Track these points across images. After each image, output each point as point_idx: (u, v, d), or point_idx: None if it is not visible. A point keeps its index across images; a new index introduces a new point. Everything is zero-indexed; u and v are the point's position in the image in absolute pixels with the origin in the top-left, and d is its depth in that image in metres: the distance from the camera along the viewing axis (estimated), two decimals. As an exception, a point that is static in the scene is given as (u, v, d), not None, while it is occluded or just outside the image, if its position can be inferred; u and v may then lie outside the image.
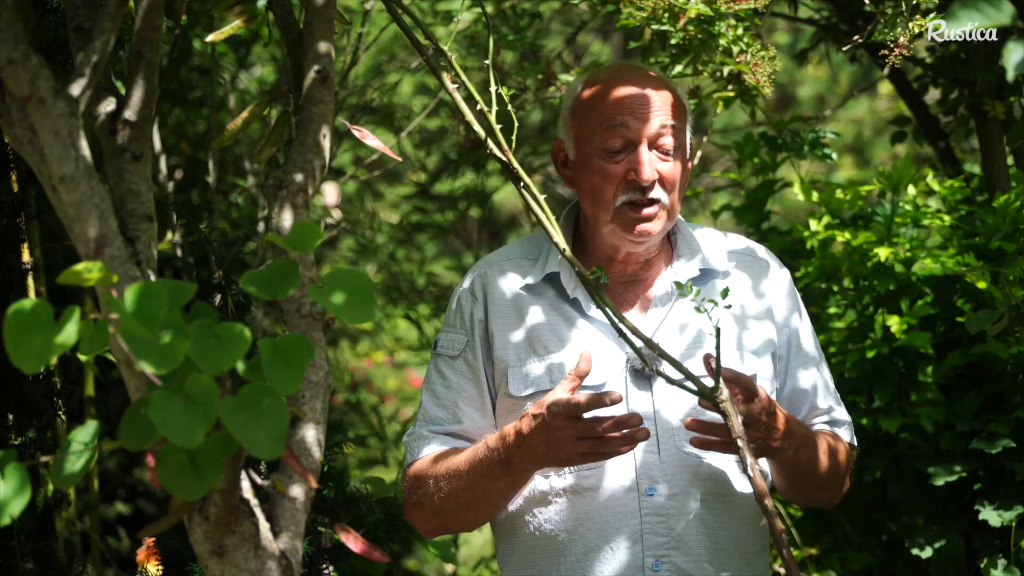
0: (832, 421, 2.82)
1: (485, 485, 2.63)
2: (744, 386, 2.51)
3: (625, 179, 2.66)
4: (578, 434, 2.49)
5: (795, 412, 2.78)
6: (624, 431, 2.47)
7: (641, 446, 2.60)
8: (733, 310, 2.73)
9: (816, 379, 2.80)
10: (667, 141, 2.67)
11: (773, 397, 2.71)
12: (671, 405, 2.65)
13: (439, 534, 2.81)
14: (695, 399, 2.60)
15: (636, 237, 2.68)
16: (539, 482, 2.68)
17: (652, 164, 2.66)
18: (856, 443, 2.85)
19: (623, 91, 2.70)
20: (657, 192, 2.66)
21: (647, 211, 2.66)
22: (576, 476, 2.65)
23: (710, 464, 2.65)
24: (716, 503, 2.65)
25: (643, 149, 2.66)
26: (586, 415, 2.50)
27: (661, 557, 2.61)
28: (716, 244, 2.83)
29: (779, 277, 2.82)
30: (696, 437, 2.54)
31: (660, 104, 2.69)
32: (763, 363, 2.73)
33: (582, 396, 2.48)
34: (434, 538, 2.86)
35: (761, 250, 2.86)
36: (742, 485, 2.68)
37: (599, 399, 2.47)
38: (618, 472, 2.63)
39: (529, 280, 2.75)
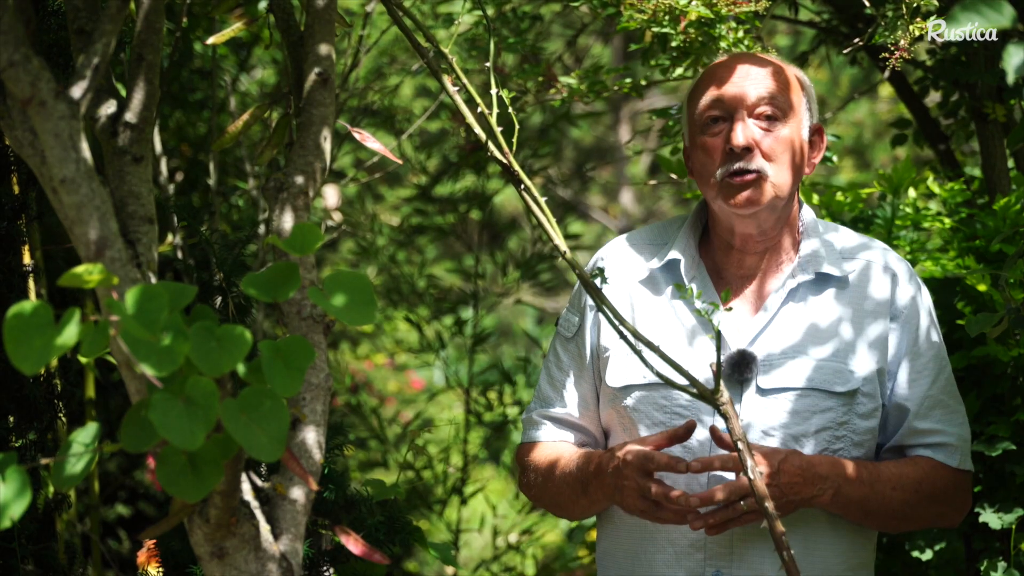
0: (931, 444, 2.72)
1: (570, 496, 2.74)
2: (733, 463, 2.53)
3: (724, 151, 2.64)
4: (641, 492, 2.56)
5: (892, 428, 2.72)
6: (678, 507, 2.54)
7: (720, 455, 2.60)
8: (842, 318, 2.68)
9: (923, 398, 2.71)
10: (766, 110, 2.65)
11: (866, 418, 2.67)
12: (758, 416, 2.63)
13: (553, 513, 2.92)
14: (785, 415, 2.61)
15: (738, 208, 2.63)
16: None
17: (748, 132, 2.63)
18: (966, 464, 2.75)
19: (725, 68, 2.71)
20: (756, 162, 2.62)
21: (740, 179, 2.62)
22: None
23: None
24: (789, 518, 2.60)
25: (738, 117, 2.64)
26: (657, 474, 2.57)
27: (721, 567, 2.62)
28: (843, 247, 2.76)
29: (903, 291, 2.74)
30: (714, 520, 2.56)
31: (759, 76, 2.68)
32: (865, 377, 2.67)
33: (659, 457, 2.54)
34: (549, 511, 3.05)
35: (894, 260, 2.77)
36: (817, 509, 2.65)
37: (674, 465, 2.52)
38: (691, 480, 2.62)
39: (651, 265, 2.74)
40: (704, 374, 2.61)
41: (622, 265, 2.77)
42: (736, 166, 2.62)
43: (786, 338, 2.66)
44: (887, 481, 2.65)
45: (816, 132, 2.75)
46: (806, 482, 2.56)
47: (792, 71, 2.74)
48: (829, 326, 2.68)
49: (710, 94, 2.68)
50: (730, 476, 2.58)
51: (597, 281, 2.36)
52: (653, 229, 2.84)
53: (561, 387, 2.79)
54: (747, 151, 2.62)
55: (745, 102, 2.65)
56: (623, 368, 2.69)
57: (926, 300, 2.77)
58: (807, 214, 2.78)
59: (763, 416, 2.62)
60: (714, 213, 2.73)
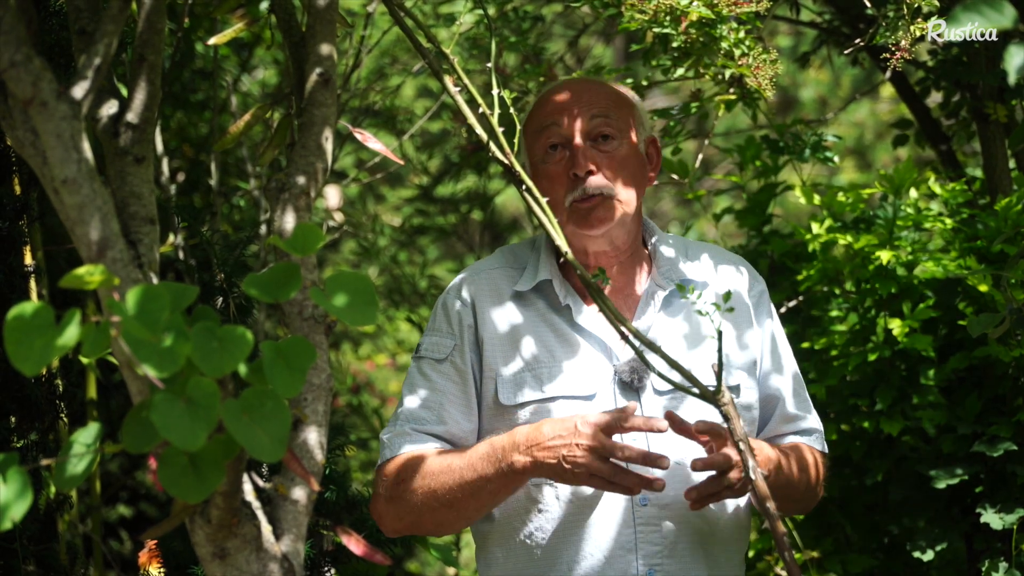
0: (802, 431, 2.83)
1: (474, 484, 2.59)
2: (718, 435, 2.52)
3: (568, 178, 2.71)
4: (602, 452, 2.48)
5: (765, 418, 2.81)
6: (643, 479, 2.49)
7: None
8: (714, 319, 2.74)
9: (787, 386, 2.82)
10: (602, 131, 2.72)
11: (756, 404, 2.76)
12: (660, 415, 2.65)
13: (404, 533, 2.74)
14: (684, 411, 2.64)
15: (591, 230, 2.70)
16: (531, 491, 2.67)
17: (587, 156, 2.70)
18: (827, 450, 2.88)
19: (554, 95, 2.78)
20: (598, 182, 2.69)
21: (591, 202, 2.68)
22: (570, 488, 2.65)
23: (700, 474, 2.64)
24: (708, 511, 2.66)
25: (576, 143, 2.71)
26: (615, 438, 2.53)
27: (655, 566, 2.62)
28: (693, 254, 2.85)
29: (755, 286, 2.85)
30: (698, 494, 2.54)
31: (591, 98, 2.75)
32: (744, 372, 2.75)
33: (635, 420, 2.49)
34: (395, 536, 2.80)
35: (737, 259, 2.89)
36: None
37: (649, 424, 2.49)
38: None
39: (520, 287, 2.76)
40: (602, 384, 2.67)
41: (491, 290, 2.78)
42: (582, 190, 2.68)
43: (666, 341, 2.72)
44: (796, 464, 2.73)
45: (651, 144, 2.84)
46: (763, 465, 2.61)
47: (619, 89, 2.82)
48: (699, 326, 2.75)
49: (545, 123, 2.74)
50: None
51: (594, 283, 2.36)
52: (503, 255, 2.86)
53: (437, 407, 2.71)
54: (590, 174, 2.69)
55: (581, 127, 2.72)
56: (517, 386, 2.70)
57: (767, 294, 2.88)
58: (648, 222, 2.87)
59: (664, 412, 2.65)
60: (565, 236, 2.74)
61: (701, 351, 2.72)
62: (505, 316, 2.75)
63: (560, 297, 2.73)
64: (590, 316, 2.72)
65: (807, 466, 2.76)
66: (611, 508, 2.64)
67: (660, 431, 2.49)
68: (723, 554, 2.70)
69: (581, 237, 2.73)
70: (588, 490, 2.64)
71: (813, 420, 2.85)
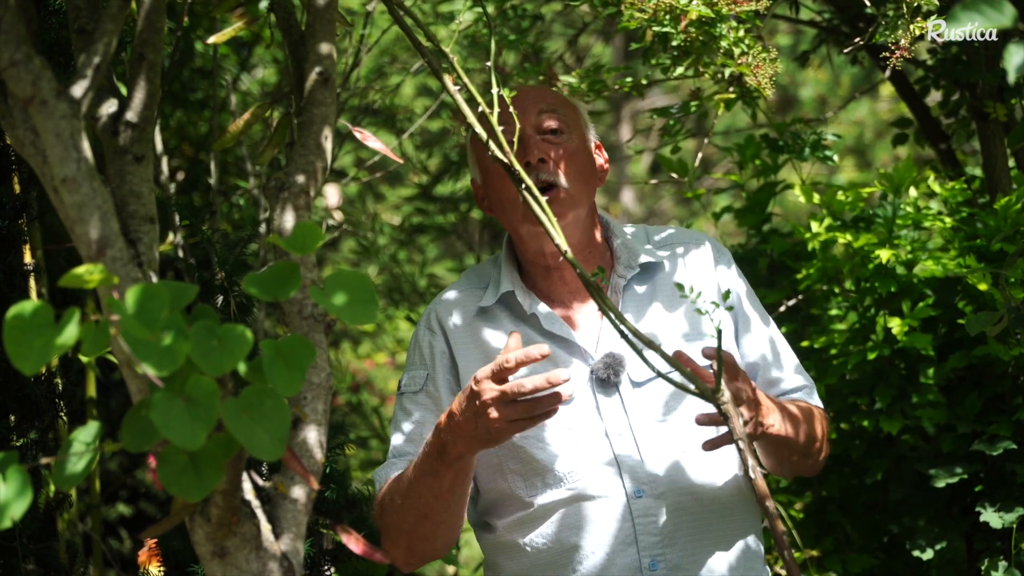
0: (787, 391, 2.82)
1: (431, 485, 2.59)
2: (728, 365, 2.52)
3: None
4: (505, 397, 2.45)
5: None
6: (551, 389, 2.44)
7: (622, 454, 2.64)
8: (676, 294, 2.76)
9: (767, 346, 2.81)
10: (551, 123, 2.75)
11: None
12: (642, 407, 2.68)
13: (415, 561, 2.72)
14: (664, 398, 2.66)
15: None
16: (528, 504, 2.68)
17: (538, 145, 2.71)
18: (820, 404, 2.85)
19: (503, 101, 2.76)
20: (552, 174, 2.70)
21: (545, 195, 2.65)
22: (565, 490, 2.66)
23: (690, 458, 2.68)
24: (702, 494, 2.68)
25: (527, 134, 2.72)
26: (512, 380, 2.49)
27: (656, 556, 2.62)
28: (650, 238, 2.87)
29: (713, 252, 2.85)
30: (709, 441, 2.55)
31: (537, 96, 2.79)
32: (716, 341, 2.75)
33: (509, 357, 2.45)
34: (415, 569, 2.79)
35: (698, 235, 2.89)
36: (723, 472, 2.70)
37: (526, 356, 2.44)
38: (605, 479, 2.66)
39: (484, 303, 2.78)
40: (579, 385, 2.68)
41: (457, 312, 2.80)
42: (535, 176, 2.68)
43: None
44: (800, 413, 2.71)
45: (598, 148, 2.87)
46: (769, 411, 2.60)
47: (566, 94, 2.88)
48: (669, 310, 2.76)
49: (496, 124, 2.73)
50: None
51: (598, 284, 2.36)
52: (466, 277, 2.88)
53: (419, 438, 2.72)
54: (542, 162, 2.70)
55: (529, 118, 2.74)
56: None
57: (733, 265, 2.88)
58: (606, 217, 2.88)
59: (644, 406, 2.68)
60: (522, 241, 2.77)
61: (671, 328, 2.74)
62: (475, 335, 2.76)
63: (526, 307, 2.75)
64: (557, 321, 2.74)
65: (811, 417, 2.74)
66: (607, 503, 2.65)
67: (540, 358, 2.44)
68: (728, 536, 2.70)
69: (535, 235, 2.72)
70: (582, 489, 2.65)
71: (796, 378, 2.83)
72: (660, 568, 2.62)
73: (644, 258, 2.79)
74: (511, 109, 2.70)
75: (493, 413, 2.45)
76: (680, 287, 2.54)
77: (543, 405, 2.45)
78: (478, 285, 2.83)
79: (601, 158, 2.87)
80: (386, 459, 2.78)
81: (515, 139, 2.49)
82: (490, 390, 2.45)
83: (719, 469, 2.70)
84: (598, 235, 2.83)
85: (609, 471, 2.65)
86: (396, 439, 2.77)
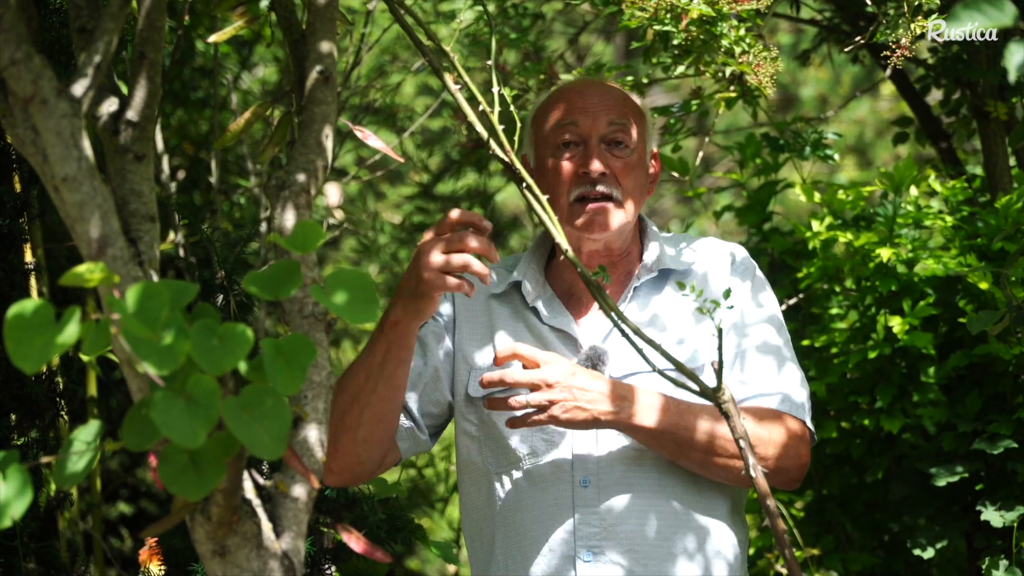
0: (752, 395, 2.72)
1: (365, 362, 2.59)
2: (529, 358, 2.55)
3: (576, 174, 2.73)
4: (435, 238, 2.47)
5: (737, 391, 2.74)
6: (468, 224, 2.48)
7: (579, 443, 2.67)
8: (683, 307, 2.77)
9: (746, 355, 2.75)
10: (619, 137, 2.75)
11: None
12: None
13: (336, 469, 2.68)
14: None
15: (591, 232, 2.73)
16: (495, 481, 2.73)
17: (602, 157, 2.73)
18: (798, 412, 2.70)
19: (574, 95, 2.80)
20: (607, 186, 2.72)
21: (595, 205, 2.71)
22: (519, 472, 2.70)
23: (647, 458, 2.67)
24: (652, 496, 2.67)
25: (592, 143, 2.74)
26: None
27: (593, 547, 2.63)
28: (682, 244, 2.87)
29: (738, 266, 2.83)
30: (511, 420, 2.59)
31: (610, 103, 2.78)
32: (703, 361, 2.73)
33: (453, 212, 2.49)
34: (333, 484, 2.75)
35: (727, 245, 2.88)
36: (678, 479, 2.67)
37: (470, 217, 2.47)
38: (557, 466, 2.69)
39: (495, 290, 2.82)
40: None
41: (477, 288, 2.80)
42: (589, 190, 2.71)
43: (718, 316, 2.69)
44: (697, 412, 2.62)
45: (654, 157, 2.89)
46: (602, 396, 2.57)
47: (635, 100, 2.86)
48: (672, 316, 2.77)
49: (562, 118, 2.76)
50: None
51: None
52: (510, 257, 2.93)
53: None
54: (602, 176, 2.72)
55: (598, 127, 2.75)
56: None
57: (759, 275, 2.84)
58: (648, 224, 2.87)
59: None
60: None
61: (666, 332, 2.74)
62: (483, 313, 2.82)
63: (529, 299, 2.80)
64: (559, 315, 2.78)
65: (714, 411, 2.62)
66: (553, 489, 2.67)
67: (479, 225, 2.47)
68: (677, 541, 2.65)
69: (576, 237, 2.76)
70: (534, 471, 2.69)
71: (760, 385, 2.72)
72: (594, 560, 2.63)
73: (668, 264, 2.80)
74: (581, 96, 2.74)
75: (425, 255, 2.46)
76: (681, 285, 2.55)
77: (467, 241, 2.45)
78: (506, 266, 2.88)
79: (654, 167, 2.89)
80: None
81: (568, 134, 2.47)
82: (425, 239, 2.49)
83: (679, 473, 2.67)
84: (634, 242, 2.85)
85: (563, 458, 2.68)
86: None
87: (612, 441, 2.68)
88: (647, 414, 2.59)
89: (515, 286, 2.83)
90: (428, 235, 2.51)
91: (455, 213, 2.49)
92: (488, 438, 2.76)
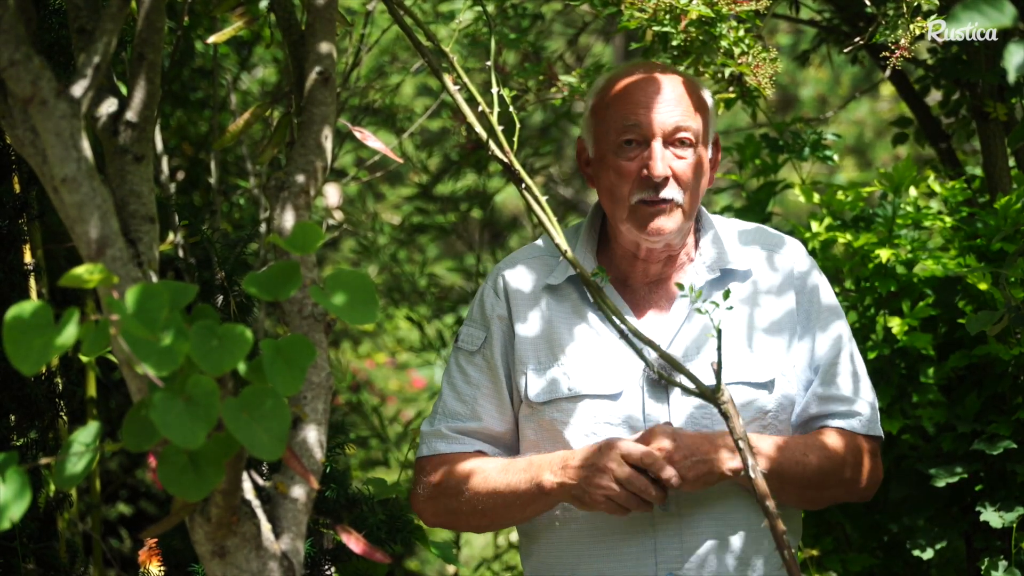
0: (836, 413, 2.77)
1: (509, 497, 2.67)
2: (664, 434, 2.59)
3: (639, 176, 2.68)
4: (616, 476, 2.54)
5: (807, 404, 2.77)
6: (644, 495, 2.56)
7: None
8: (749, 309, 2.75)
9: (826, 365, 2.77)
10: (682, 138, 2.70)
11: (787, 404, 2.74)
12: (688, 415, 2.66)
13: (443, 527, 2.84)
14: (714, 411, 2.61)
15: (650, 236, 2.69)
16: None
17: (665, 160, 2.68)
18: (874, 431, 2.79)
19: (639, 89, 2.73)
20: (670, 190, 2.68)
21: (656, 209, 2.67)
22: None
23: (724, 481, 2.65)
24: (731, 515, 2.67)
25: (656, 145, 2.68)
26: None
27: (674, 570, 2.62)
28: (740, 239, 2.83)
29: (799, 267, 2.81)
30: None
31: (675, 101, 2.71)
32: (782, 359, 2.74)
33: (656, 457, 2.55)
34: (434, 527, 2.89)
35: (783, 241, 2.86)
36: (753, 500, 2.65)
37: (653, 463, 2.54)
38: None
39: (551, 281, 2.76)
40: (630, 383, 2.68)
41: (525, 281, 2.79)
42: (652, 195, 2.68)
43: (701, 336, 2.71)
44: (797, 447, 2.68)
45: (715, 145, 2.82)
46: (713, 445, 2.59)
47: (698, 86, 2.79)
48: (739, 319, 2.74)
49: (626, 117, 2.70)
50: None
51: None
52: (545, 240, 2.85)
53: (472, 401, 2.75)
54: (664, 179, 2.68)
55: (663, 129, 2.69)
56: (544, 382, 2.71)
57: (821, 275, 2.85)
58: (703, 213, 2.84)
59: (691, 417, 2.67)
60: (620, 233, 2.76)
61: (736, 338, 2.72)
62: (538, 309, 2.76)
63: (590, 295, 2.72)
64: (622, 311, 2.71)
65: (816, 445, 2.71)
66: (631, 515, 2.64)
67: (666, 479, 2.54)
68: (749, 561, 2.67)
69: (637, 236, 2.72)
70: None
71: (850, 402, 2.78)
72: None
73: (730, 264, 2.77)
74: (646, 90, 2.72)
75: (600, 479, 2.56)
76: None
77: (633, 502, 2.57)
78: (553, 253, 2.80)
79: (715, 156, 2.83)
80: (433, 411, 2.81)
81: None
82: (619, 466, 2.55)
83: (750, 497, 2.67)
84: (690, 233, 2.82)
85: None
86: (448, 397, 2.78)
87: (688, 460, 2.62)
88: (760, 454, 2.63)
89: (570, 278, 2.76)
90: (619, 453, 2.56)
91: (656, 464, 2.55)
92: (551, 443, 2.72)
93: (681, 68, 3.13)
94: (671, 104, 2.70)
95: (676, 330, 2.72)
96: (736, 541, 2.66)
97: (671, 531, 2.64)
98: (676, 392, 2.66)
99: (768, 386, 2.71)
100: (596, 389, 2.67)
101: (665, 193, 2.67)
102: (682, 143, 2.70)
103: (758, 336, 2.73)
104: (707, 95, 2.80)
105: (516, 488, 2.65)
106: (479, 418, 2.74)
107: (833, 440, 2.73)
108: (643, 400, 2.67)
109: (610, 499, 2.55)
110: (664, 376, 2.33)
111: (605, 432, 2.67)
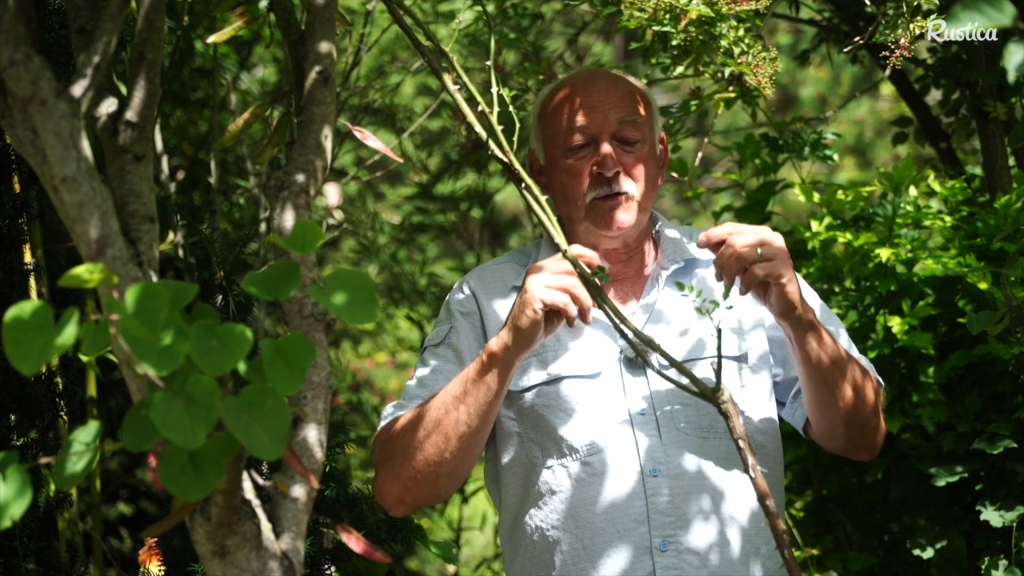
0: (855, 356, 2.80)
1: (460, 393, 2.59)
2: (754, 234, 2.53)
3: (591, 174, 2.75)
4: (550, 275, 2.49)
5: (788, 362, 2.81)
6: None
7: (641, 433, 2.66)
8: (715, 292, 2.79)
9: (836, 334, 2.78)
10: (629, 134, 2.76)
11: (762, 377, 2.77)
12: (667, 390, 2.69)
13: (410, 500, 2.69)
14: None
15: (609, 231, 2.75)
16: (542, 474, 2.70)
17: (615, 156, 2.74)
18: (882, 382, 2.83)
19: (583, 91, 2.80)
20: (624, 184, 2.74)
21: (611, 202, 2.73)
22: (579, 462, 2.67)
23: (711, 444, 2.69)
24: (720, 481, 2.67)
25: (605, 143, 2.74)
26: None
27: (668, 537, 2.62)
28: (687, 233, 2.90)
29: None
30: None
31: (619, 99, 2.78)
32: (756, 338, 2.78)
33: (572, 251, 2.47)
34: (401, 514, 2.75)
35: None
36: (739, 464, 2.70)
37: (581, 256, 2.45)
38: (622, 456, 2.66)
39: (518, 281, 2.81)
40: (608, 363, 2.71)
41: (494, 281, 2.83)
42: (606, 191, 2.73)
43: (673, 318, 2.76)
44: (843, 354, 2.67)
45: (661, 142, 2.89)
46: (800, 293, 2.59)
47: (641, 87, 2.86)
48: (706, 300, 2.76)
49: (572, 119, 2.76)
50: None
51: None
52: (510, 254, 2.93)
53: (433, 383, 2.73)
54: (617, 175, 2.74)
55: (609, 127, 2.76)
56: (522, 371, 2.73)
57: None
58: (656, 215, 2.91)
59: (670, 390, 2.69)
60: (577, 234, 2.81)
61: (707, 324, 2.76)
62: (508, 304, 2.79)
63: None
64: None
65: (862, 370, 2.71)
66: (621, 479, 2.65)
67: (592, 264, 2.45)
68: (741, 526, 2.68)
69: (595, 235, 2.78)
70: (598, 462, 2.66)
71: (863, 359, 2.82)
72: (670, 549, 2.62)
73: (692, 253, 2.83)
74: (589, 93, 2.75)
75: (534, 290, 2.49)
76: (680, 285, 2.55)
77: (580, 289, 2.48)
78: (520, 261, 2.88)
79: (662, 153, 2.89)
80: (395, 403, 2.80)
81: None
82: (536, 271, 2.51)
83: (738, 460, 2.70)
84: (647, 231, 2.87)
85: (627, 448, 2.66)
86: (410, 385, 2.78)
87: (673, 431, 2.67)
88: (822, 334, 2.62)
89: None
90: (529, 278, 2.53)
91: (575, 249, 2.46)
92: (533, 429, 2.72)
93: (680, 68, 3.13)
94: (615, 102, 2.77)
95: (649, 314, 2.77)
96: (732, 505, 2.67)
97: (662, 496, 2.64)
98: (657, 364, 2.67)
99: (742, 359, 2.76)
100: (575, 370, 2.71)
101: (618, 187, 2.73)
102: (630, 139, 2.76)
103: (727, 316, 2.77)
104: (650, 93, 2.88)
105: (466, 378, 2.58)
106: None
107: (861, 368, 2.74)
108: (621, 377, 2.71)
109: (553, 300, 2.47)
110: (666, 377, 2.33)
111: (586, 411, 2.69)
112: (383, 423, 2.74)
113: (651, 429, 2.67)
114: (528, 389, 2.72)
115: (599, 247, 2.79)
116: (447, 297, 2.88)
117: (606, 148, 2.74)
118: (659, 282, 2.80)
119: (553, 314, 2.52)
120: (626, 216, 2.74)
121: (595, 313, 2.72)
